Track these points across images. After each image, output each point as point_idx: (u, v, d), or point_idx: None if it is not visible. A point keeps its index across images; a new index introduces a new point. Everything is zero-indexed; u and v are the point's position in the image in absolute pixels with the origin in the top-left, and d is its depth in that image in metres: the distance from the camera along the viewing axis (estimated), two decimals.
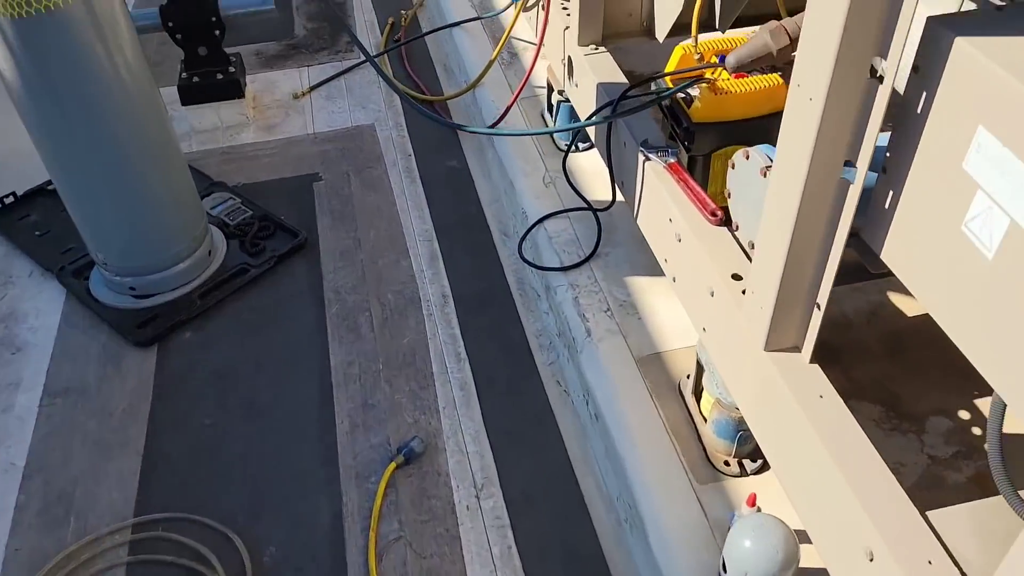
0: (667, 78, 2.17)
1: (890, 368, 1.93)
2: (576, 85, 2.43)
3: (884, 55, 1.12)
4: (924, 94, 1.12)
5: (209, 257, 2.49)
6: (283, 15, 3.74)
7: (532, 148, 2.74)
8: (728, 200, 1.75)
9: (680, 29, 2.47)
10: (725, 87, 2.05)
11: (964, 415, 1.84)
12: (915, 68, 1.13)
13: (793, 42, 1.79)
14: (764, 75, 2.08)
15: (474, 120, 3.05)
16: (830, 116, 1.19)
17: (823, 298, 1.38)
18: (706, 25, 2.72)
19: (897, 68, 1.11)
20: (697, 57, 2.17)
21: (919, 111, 1.14)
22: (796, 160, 1.26)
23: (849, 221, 1.27)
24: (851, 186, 1.24)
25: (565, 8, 2.47)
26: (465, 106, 3.15)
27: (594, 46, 2.34)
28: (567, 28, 2.43)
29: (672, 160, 1.92)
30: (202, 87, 3.00)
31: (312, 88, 3.31)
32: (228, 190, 2.79)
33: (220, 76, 3.00)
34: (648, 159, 1.96)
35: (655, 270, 2.07)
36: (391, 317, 2.37)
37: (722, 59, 2.18)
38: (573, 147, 2.69)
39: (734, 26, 3.03)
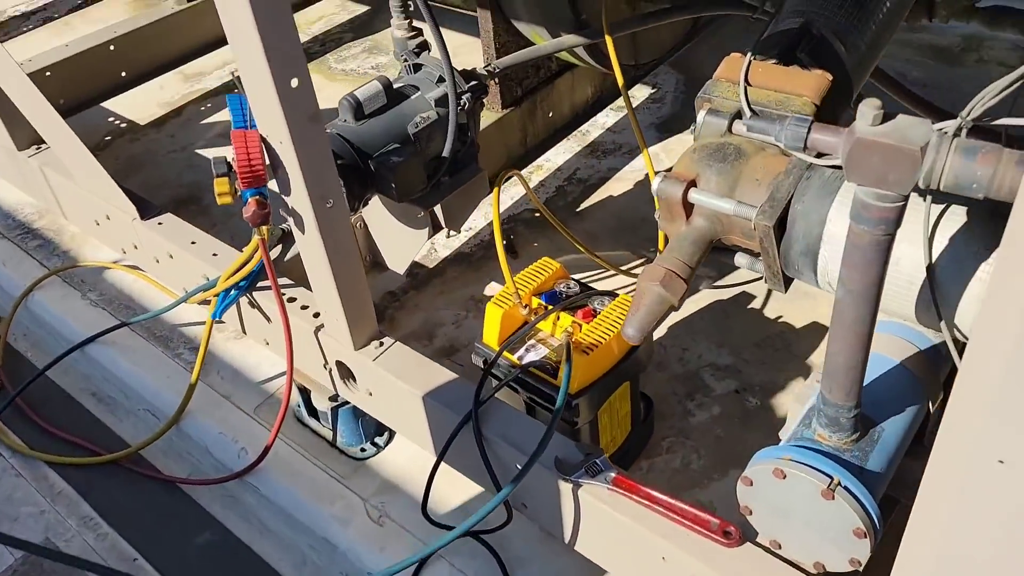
0: (506, 353, 1.68)
1: None
2: (369, 393, 1.79)
3: None
4: None
5: None
6: None
7: (316, 473, 2.01)
8: (747, 516, 1.33)
9: None
10: (590, 339, 1.63)
11: None
12: None
13: (687, 281, 1.42)
14: (616, 306, 1.70)
15: (201, 466, 2.18)
16: None
17: None
18: (437, 228, 2.28)
19: None
20: (524, 311, 1.72)
21: None
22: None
23: None
24: None
25: (306, 308, 1.81)
26: (168, 445, 2.25)
27: (377, 343, 1.73)
28: (320, 328, 1.78)
29: (614, 474, 1.43)
30: None
31: None
32: None
33: None
34: (579, 485, 1.44)
35: (592, 570, 1.62)
36: None
37: (546, 298, 1.76)
38: (374, 450, 2.03)
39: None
